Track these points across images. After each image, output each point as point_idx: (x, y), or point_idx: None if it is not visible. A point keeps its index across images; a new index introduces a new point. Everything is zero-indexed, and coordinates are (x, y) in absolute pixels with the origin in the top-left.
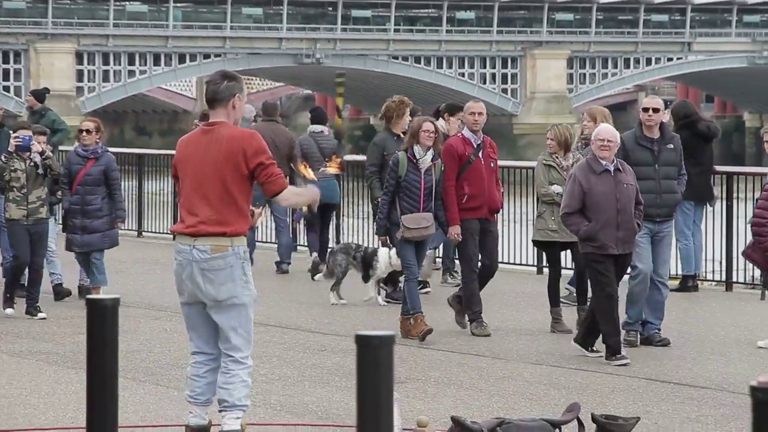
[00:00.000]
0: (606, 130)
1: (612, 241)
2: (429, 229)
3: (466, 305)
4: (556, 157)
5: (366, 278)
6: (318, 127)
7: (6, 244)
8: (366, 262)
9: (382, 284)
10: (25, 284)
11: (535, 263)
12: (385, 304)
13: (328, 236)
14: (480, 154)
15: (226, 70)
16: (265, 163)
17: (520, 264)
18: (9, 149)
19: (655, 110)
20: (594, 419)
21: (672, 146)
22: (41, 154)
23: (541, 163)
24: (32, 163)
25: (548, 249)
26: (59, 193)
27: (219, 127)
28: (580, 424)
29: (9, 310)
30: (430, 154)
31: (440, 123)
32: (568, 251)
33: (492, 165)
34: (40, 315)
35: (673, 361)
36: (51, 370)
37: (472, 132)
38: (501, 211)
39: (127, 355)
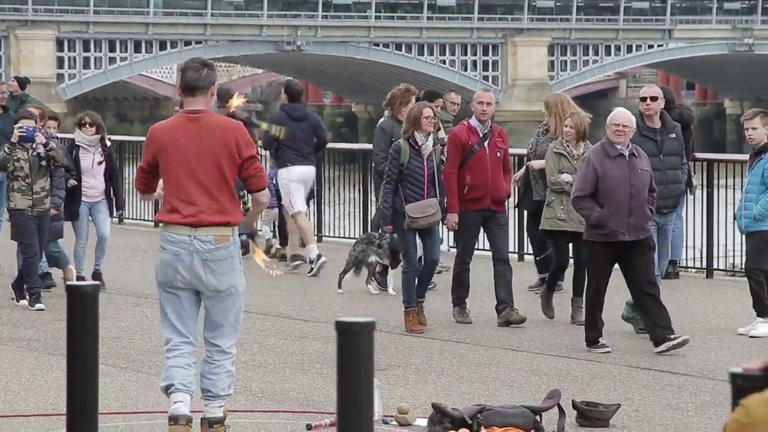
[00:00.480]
0: (621, 114)
1: (624, 228)
2: (435, 215)
3: (453, 290)
4: (567, 146)
5: (394, 265)
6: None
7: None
8: (393, 248)
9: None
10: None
11: (517, 250)
12: (378, 292)
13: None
14: (486, 144)
15: (201, 58)
16: (254, 156)
17: None
18: (12, 139)
19: (653, 99)
20: (575, 406)
21: (674, 135)
22: (45, 145)
23: (551, 151)
24: (35, 154)
25: (556, 238)
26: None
27: (205, 115)
28: (561, 410)
29: (22, 302)
30: (431, 139)
31: None
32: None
33: (499, 155)
34: (38, 306)
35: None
36: (32, 356)
37: (479, 121)
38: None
39: (108, 341)
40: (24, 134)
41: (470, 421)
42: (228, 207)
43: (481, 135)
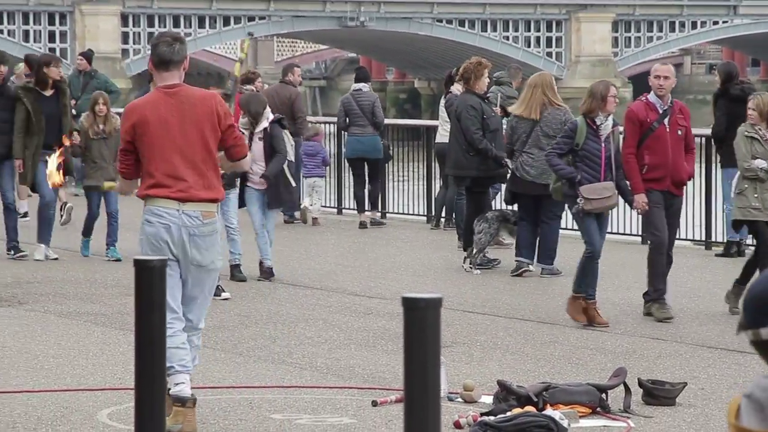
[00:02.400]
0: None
1: None
2: (611, 199)
3: (650, 282)
4: (759, 129)
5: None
6: (358, 85)
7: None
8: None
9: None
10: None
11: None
12: (479, 272)
13: (376, 190)
14: (666, 121)
15: (172, 32)
16: (233, 125)
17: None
18: None
19: (666, 78)
20: (641, 384)
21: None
22: None
23: (742, 135)
24: None
25: (750, 228)
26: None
27: (182, 89)
28: (627, 388)
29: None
30: (611, 120)
31: (456, 87)
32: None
33: (680, 133)
34: (225, 295)
35: (720, 326)
36: (99, 331)
37: (657, 97)
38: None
39: None
40: None
41: (536, 399)
42: (214, 183)
43: (660, 111)
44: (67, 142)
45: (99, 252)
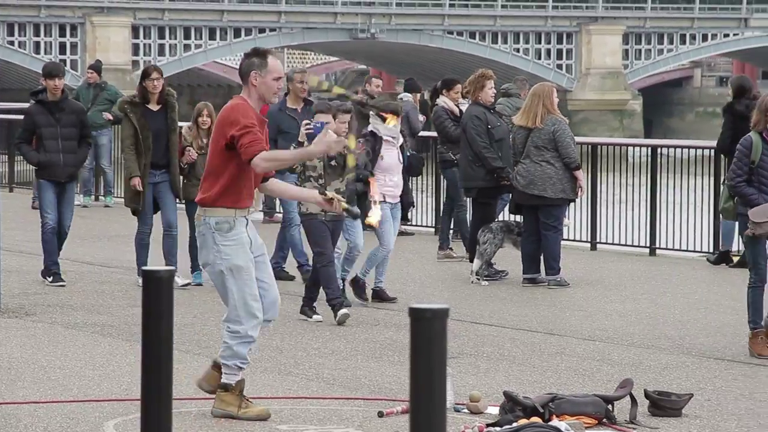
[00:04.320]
0: None
1: None
2: None
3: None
4: None
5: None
6: (405, 95)
7: (293, 242)
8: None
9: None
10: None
11: (589, 239)
12: (487, 283)
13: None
14: None
15: (258, 47)
16: (236, 135)
17: (575, 240)
18: (300, 138)
19: None
20: (647, 395)
21: None
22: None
23: None
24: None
25: None
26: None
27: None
28: (633, 400)
29: (316, 316)
30: None
31: (442, 100)
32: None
33: None
34: (316, 317)
35: (727, 337)
36: (106, 342)
37: None
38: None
39: (181, 327)
40: (311, 131)
41: (542, 410)
42: (206, 187)
43: None
44: (186, 159)
45: (107, 262)
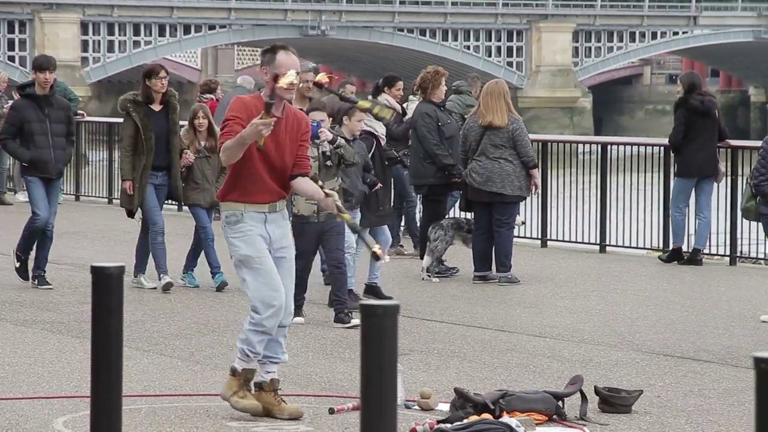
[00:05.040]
0: None
1: None
2: None
3: None
4: None
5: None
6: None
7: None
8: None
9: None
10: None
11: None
12: (438, 280)
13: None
14: None
15: (276, 43)
16: (218, 134)
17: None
18: None
19: None
20: (597, 392)
21: None
22: (332, 142)
23: None
24: (321, 152)
25: None
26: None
27: None
28: (583, 396)
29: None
30: None
31: (384, 98)
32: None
33: None
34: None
35: (677, 334)
36: (55, 339)
37: None
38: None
39: (131, 324)
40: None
41: (492, 407)
42: (222, 183)
43: None
44: (184, 162)
45: (56, 259)
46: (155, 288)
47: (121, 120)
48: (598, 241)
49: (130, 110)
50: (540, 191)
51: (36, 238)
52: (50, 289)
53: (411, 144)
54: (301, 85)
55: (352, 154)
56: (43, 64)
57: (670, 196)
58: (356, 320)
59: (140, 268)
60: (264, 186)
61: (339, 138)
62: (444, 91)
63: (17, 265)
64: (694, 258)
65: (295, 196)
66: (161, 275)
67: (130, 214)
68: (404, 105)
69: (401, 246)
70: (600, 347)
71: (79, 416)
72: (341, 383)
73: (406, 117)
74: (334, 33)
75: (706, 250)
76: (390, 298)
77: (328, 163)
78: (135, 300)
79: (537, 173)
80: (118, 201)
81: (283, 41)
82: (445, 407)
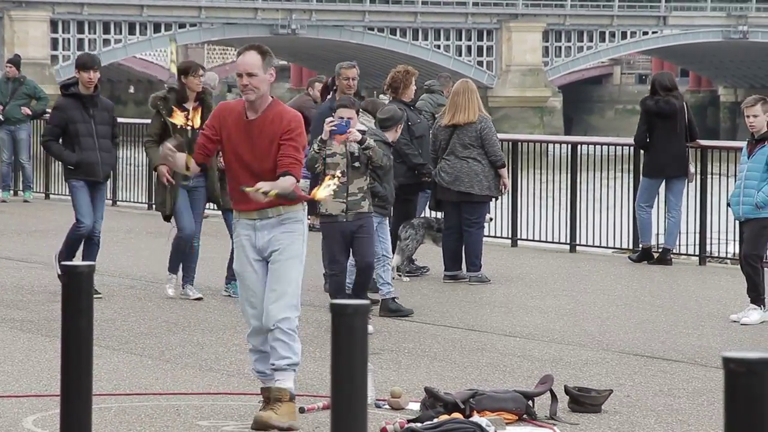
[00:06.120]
0: None
1: None
2: None
3: None
4: None
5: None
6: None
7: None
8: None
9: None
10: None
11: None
12: (408, 279)
13: None
14: None
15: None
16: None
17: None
18: (323, 136)
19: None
20: (567, 391)
21: None
22: (361, 143)
23: None
24: (350, 152)
25: None
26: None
27: None
28: (553, 396)
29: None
30: None
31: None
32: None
33: None
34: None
35: (646, 334)
36: (25, 337)
37: None
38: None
39: (101, 323)
40: (334, 129)
41: (463, 406)
42: None
43: None
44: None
45: (26, 257)
46: (201, 298)
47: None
48: (568, 241)
49: (161, 108)
50: (510, 191)
51: (78, 246)
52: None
53: None
54: (343, 81)
55: (381, 156)
56: (87, 63)
57: (636, 195)
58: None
59: (187, 277)
60: (239, 194)
61: (368, 139)
62: (414, 90)
63: (59, 272)
64: (664, 258)
65: None
66: (185, 284)
67: (167, 218)
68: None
69: None
70: (570, 347)
71: (49, 415)
72: (311, 382)
73: None
74: (305, 32)
75: (676, 250)
76: (411, 312)
77: (356, 164)
78: (105, 298)
79: (505, 173)
80: (110, 200)
81: (253, 40)
82: (415, 406)
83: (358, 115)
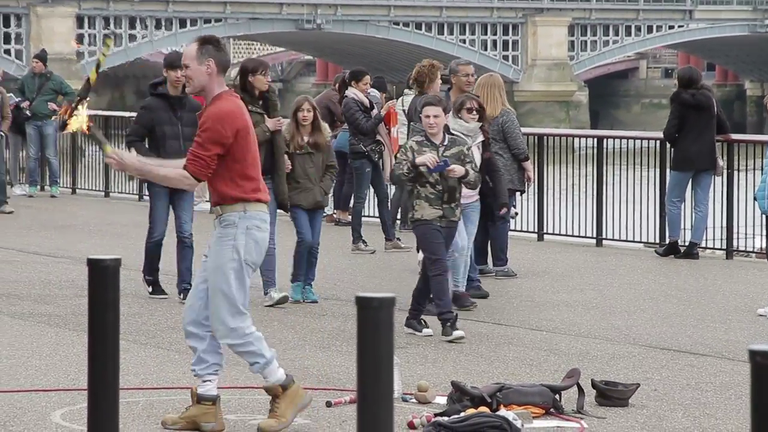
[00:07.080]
0: None
1: None
2: None
3: None
4: None
5: None
6: (372, 91)
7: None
8: None
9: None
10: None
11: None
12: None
13: (350, 189)
14: None
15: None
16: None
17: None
18: (422, 169)
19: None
20: (594, 385)
21: None
22: (463, 177)
23: None
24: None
25: None
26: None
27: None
28: (580, 390)
29: (426, 330)
30: None
31: (351, 91)
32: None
33: None
34: (426, 331)
35: (673, 328)
36: (52, 332)
37: None
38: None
39: (128, 317)
40: (435, 169)
41: (489, 400)
42: None
43: None
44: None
45: (53, 252)
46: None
47: (118, 113)
48: (594, 235)
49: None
50: (536, 185)
51: (158, 255)
52: (165, 297)
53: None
54: (462, 78)
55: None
56: (174, 62)
57: (666, 190)
58: (460, 332)
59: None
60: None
61: (471, 172)
62: (439, 84)
63: (150, 289)
64: (691, 252)
65: (417, 200)
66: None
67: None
68: (369, 97)
69: (398, 239)
70: (597, 341)
71: (77, 409)
72: (338, 376)
73: (373, 111)
74: (330, 27)
75: (702, 244)
76: (474, 304)
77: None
78: (132, 293)
79: (530, 165)
80: (115, 194)
81: (278, 35)
82: (442, 400)
83: (445, 113)
